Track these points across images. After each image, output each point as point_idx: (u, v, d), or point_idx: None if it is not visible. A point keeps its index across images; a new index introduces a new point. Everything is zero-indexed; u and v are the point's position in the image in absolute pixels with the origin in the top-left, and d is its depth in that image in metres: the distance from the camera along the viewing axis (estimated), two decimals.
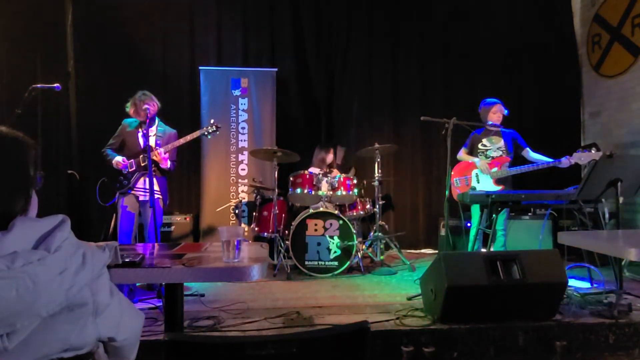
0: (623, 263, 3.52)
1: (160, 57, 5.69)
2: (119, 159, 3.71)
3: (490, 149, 4.31)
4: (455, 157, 4.36)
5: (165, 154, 3.67)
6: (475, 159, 4.29)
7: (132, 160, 3.72)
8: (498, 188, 4.11)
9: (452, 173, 4.48)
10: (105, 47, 5.42)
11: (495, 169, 4.19)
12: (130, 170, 3.72)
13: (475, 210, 4.29)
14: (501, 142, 4.32)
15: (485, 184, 4.20)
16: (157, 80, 5.63)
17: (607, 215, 4.27)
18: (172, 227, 5.13)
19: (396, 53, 6.01)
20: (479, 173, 4.26)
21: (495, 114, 4.30)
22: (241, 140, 5.51)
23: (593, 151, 3.73)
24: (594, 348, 2.70)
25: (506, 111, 4.33)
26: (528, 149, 4.28)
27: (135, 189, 3.73)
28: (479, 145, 4.36)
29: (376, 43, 5.98)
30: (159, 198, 3.65)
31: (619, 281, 3.07)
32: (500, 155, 4.26)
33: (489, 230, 3.71)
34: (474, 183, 4.29)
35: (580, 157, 3.77)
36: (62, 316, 0.93)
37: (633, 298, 3.14)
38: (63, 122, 5.39)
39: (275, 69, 5.64)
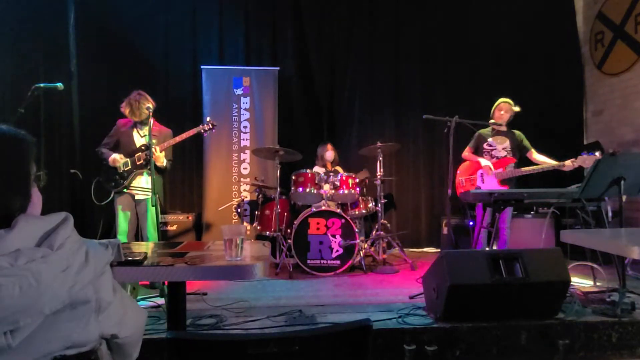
0: (626, 261, 3.51)
1: (162, 56, 5.71)
2: (115, 156, 3.73)
3: (495, 149, 4.29)
4: (456, 155, 4.34)
5: (161, 152, 3.69)
6: (481, 159, 4.27)
7: (128, 159, 3.75)
8: (502, 188, 4.10)
9: (458, 172, 4.47)
10: (107, 46, 5.43)
11: (500, 170, 4.17)
12: (125, 169, 3.73)
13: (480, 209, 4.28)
14: (506, 142, 4.28)
15: (490, 184, 4.19)
16: (160, 79, 5.65)
17: (610, 214, 4.25)
18: (175, 226, 5.13)
19: (398, 52, 6.00)
20: (484, 173, 4.24)
21: (502, 113, 4.27)
22: (243, 139, 5.52)
23: (598, 154, 3.69)
24: (597, 347, 2.69)
25: (517, 108, 4.29)
26: (533, 150, 4.26)
27: (131, 187, 3.76)
28: (485, 145, 4.33)
29: (378, 42, 5.97)
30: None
31: (622, 280, 3.06)
32: (505, 156, 4.24)
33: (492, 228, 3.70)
34: (478, 182, 4.28)
35: (585, 160, 3.71)
36: (64, 314, 0.93)
37: (636, 297, 3.13)
38: (66, 121, 5.40)
39: (277, 68, 5.64)
